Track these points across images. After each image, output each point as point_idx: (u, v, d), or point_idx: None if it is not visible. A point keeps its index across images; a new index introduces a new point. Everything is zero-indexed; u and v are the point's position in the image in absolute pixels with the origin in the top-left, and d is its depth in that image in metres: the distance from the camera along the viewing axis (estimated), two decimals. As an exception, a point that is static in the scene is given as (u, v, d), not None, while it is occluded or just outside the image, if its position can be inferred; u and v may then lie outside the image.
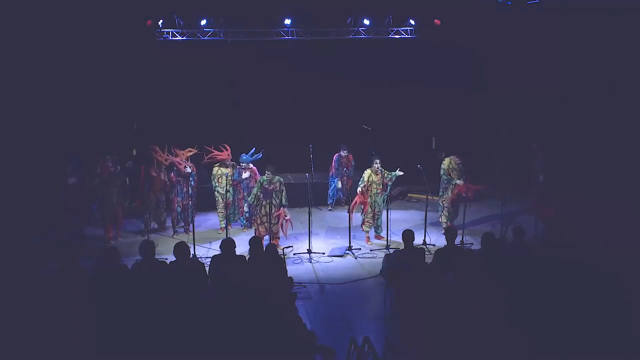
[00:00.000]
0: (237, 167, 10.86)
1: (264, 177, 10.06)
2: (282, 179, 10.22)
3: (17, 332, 5.70)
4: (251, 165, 10.90)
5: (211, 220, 11.77)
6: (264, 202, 10.02)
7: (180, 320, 5.82)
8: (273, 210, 10.03)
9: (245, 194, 10.95)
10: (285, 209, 10.10)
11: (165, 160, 10.47)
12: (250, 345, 5.46)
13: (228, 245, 7.32)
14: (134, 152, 10.85)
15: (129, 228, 10.89)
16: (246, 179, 10.84)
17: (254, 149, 10.77)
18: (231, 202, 10.74)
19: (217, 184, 10.85)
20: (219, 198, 10.82)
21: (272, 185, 10.02)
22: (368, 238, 10.62)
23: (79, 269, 6.76)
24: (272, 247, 7.62)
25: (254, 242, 7.42)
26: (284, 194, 10.10)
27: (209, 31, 12.96)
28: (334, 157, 12.65)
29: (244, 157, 10.74)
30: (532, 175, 11.96)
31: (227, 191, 10.39)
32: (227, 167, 10.74)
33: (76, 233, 10.57)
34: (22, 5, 11.48)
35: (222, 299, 6.45)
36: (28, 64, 11.90)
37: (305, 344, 5.60)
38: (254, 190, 10.22)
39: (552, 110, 13.13)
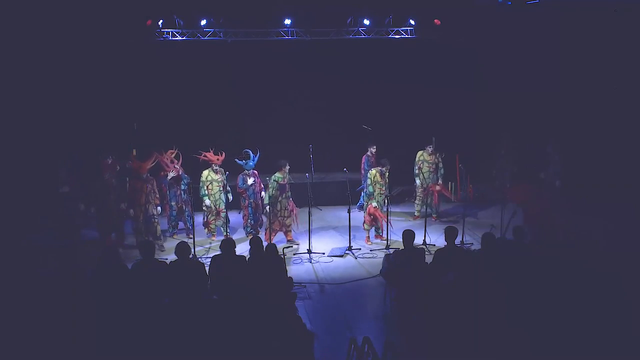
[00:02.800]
0: (241, 174, 10.56)
1: (278, 175, 10.20)
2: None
3: (17, 332, 5.71)
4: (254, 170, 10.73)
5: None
6: (280, 198, 10.22)
7: (180, 320, 5.83)
8: (287, 204, 10.30)
9: (251, 200, 10.58)
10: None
11: (140, 167, 9.91)
12: (250, 345, 5.46)
13: (228, 245, 7.34)
14: (134, 153, 10.82)
15: (128, 230, 10.83)
16: (251, 185, 10.52)
17: (250, 150, 10.51)
18: (224, 211, 10.34)
19: (205, 191, 10.43)
20: (212, 206, 10.46)
21: (285, 180, 10.27)
22: (368, 238, 10.63)
23: (78, 270, 6.77)
24: (272, 247, 7.62)
25: (254, 242, 7.43)
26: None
27: (209, 31, 12.95)
28: (363, 159, 12.16)
29: (250, 164, 10.43)
30: (546, 180, 11.49)
31: (227, 192, 10.34)
32: (216, 173, 10.43)
33: (73, 239, 10.45)
34: (22, 5, 11.47)
35: (222, 299, 6.46)
36: (28, 64, 11.87)
37: (305, 344, 5.60)
38: (270, 191, 10.22)
39: (551, 111, 13.12)
